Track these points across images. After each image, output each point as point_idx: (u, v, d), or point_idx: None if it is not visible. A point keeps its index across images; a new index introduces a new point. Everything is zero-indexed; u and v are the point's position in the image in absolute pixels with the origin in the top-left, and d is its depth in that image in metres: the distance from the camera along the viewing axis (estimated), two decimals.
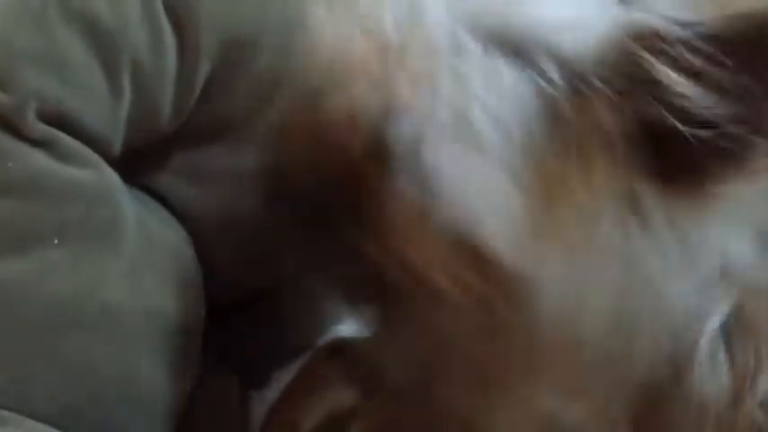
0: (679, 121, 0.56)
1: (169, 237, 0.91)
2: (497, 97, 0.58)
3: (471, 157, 0.58)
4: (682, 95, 0.56)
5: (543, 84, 0.58)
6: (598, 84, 0.59)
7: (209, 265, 0.93)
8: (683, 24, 0.57)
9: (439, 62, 0.62)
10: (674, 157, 0.57)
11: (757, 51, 0.55)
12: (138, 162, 0.91)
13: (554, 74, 0.59)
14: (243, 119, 0.91)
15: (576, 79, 0.59)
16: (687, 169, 0.58)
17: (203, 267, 0.92)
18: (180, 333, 0.88)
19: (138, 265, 0.86)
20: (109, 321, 0.83)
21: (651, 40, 0.58)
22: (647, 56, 0.57)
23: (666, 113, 0.56)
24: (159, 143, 0.90)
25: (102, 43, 0.86)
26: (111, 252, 0.85)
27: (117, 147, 0.89)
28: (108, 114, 0.87)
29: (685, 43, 0.57)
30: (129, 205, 0.87)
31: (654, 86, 0.57)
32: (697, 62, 0.56)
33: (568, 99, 0.59)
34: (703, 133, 0.56)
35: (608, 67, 0.59)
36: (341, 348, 0.90)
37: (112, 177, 0.88)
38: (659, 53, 0.57)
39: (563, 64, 0.59)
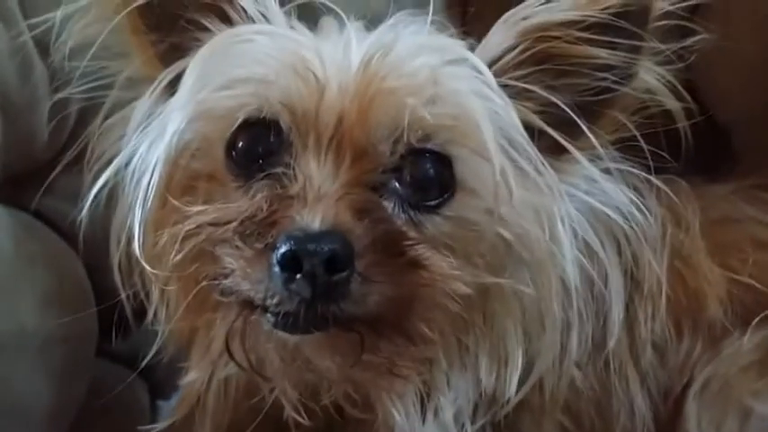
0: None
1: (54, 257, 0.90)
2: None
3: None
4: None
5: None
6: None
7: (103, 279, 0.89)
8: None
9: None
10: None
11: None
12: (23, 186, 0.91)
13: None
14: None
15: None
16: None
17: (100, 281, 0.91)
18: (62, 345, 0.87)
19: (13, 287, 0.85)
20: None
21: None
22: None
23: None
24: (42, 167, 0.90)
25: None
26: None
27: None
28: None
29: None
30: (4, 229, 0.87)
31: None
32: None
33: None
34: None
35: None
36: None
37: None
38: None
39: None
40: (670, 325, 0.84)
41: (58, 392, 0.86)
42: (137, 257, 0.73)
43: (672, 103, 0.75)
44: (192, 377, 0.77)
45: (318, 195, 0.65)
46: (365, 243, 0.64)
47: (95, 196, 0.76)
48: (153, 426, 0.78)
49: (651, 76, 0.74)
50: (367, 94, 0.68)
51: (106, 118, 0.78)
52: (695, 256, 0.86)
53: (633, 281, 0.82)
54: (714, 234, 0.87)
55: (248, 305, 0.66)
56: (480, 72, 0.71)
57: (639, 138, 0.75)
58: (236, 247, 0.65)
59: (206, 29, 0.74)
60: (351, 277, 0.63)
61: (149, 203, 0.72)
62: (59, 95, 0.84)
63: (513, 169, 0.70)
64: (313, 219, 0.64)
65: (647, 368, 0.83)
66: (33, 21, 0.82)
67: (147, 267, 0.72)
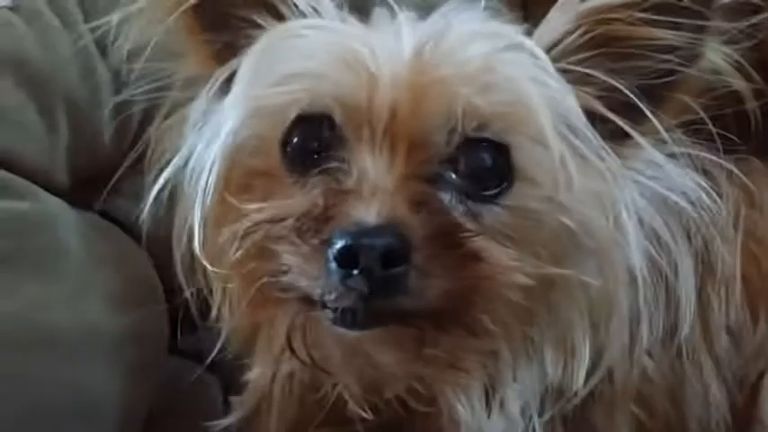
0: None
1: (123, 257, 0.90)
2: None
3: None
4: None
5: None
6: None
7: (168, 277, 0.89)
8: None
9: None
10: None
11: None
12: (92, 188, 0.91)
13: None
14: None
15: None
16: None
17: (166, 279, 0.90)
18: (133, 344, 0.86)
19: (82, 287, 0.85)
20: (48, 341, 0.81)
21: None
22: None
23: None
24: (110, 169, 0.89)
25: (35, 84, 0.87)
26: (51, 277, 0.84)
27: (62, 177, 0.90)
28: (45, 149, 0.88)
29: None
30: (74, 231, 0.87)
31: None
32: None
33: None
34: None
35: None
36: None
37: (52, 206, 0.88)
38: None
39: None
40: (745, 309, 0.81)
41: (130, 392, 0.86)
42: (198, 256, 0.73)
43: (740, 84, 0.71)
44: (257, 373, 0.76)
45: (374, 189, 0.64)
46: (422, 236, 0.63)
47: (157, 196, 0.75)
48: (220, 421, 0.77)
49: (718, 57, 0.71)
50: (419, 85, 0.66)
51: (166, 118, 0.78)
52: None
53: (705, 265, 0.79)
54: None
55: (307, 301, 0.65)
56: (537, 57, 0.68)
57: (707, 120, 0.72)
58: (294, 243, 0.64)
59: (259, 26, 0.73)
60: (408, 271, 0.62)
61: (208, 202, 0.71)
62: (122, 97, 0.84)
63: (573, 156, 0.67)
64: (368, 213, 0.62)
65: (722, 355, 0.80)
66: (93, 23, 0.82)
67: (208, 266, 0.71)
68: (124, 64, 0.79)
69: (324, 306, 0.64)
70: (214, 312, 0.76)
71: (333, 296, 0.63)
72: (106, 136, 0.90)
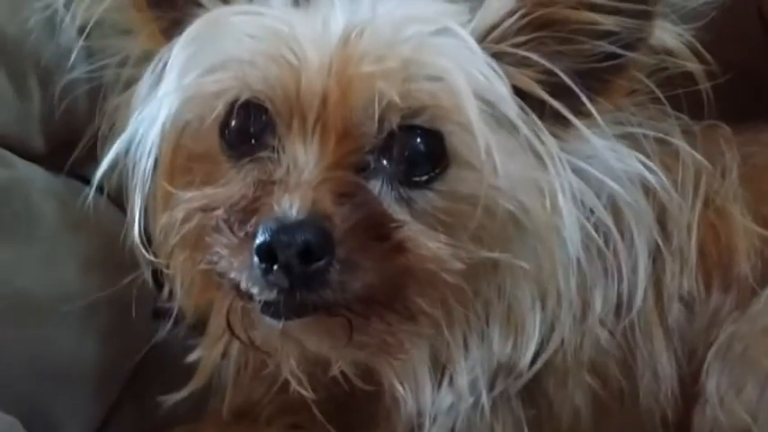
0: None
1: (100, 222, 0.82)
2: None
3: None
4: None
5: None
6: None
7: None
8: None
9: None
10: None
11: None
12: (71, 153, 0.83)
13: None
14: None
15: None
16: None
17: None
18: (107, 307, 0.81)
19: (55, 251, 0.81)
20: (21, 306, 0.78)
21: None
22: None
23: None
24: (91, 136, 0.81)
25: (6, 52, 0.82)
26: (23, 242, 0.79)
27: (38, 143, 0.85)
28: (18, 116, 0.83)
29: None
30: (49, 196, 0.82)
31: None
32: None
33: None
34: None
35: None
36: None
37: (26, 172, 0.83)
38: None
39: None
40: (699, 280, 0.74)
41: (107, 354, 0.82)
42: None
43: (692, 65, 0.64)
44: (209, 348, 0.71)
45: (299, 181, 0.58)
46: (345, 229, 0.58)
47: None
48: (172, 395, 0.72)
49: (669, 36, 0.64)
50: (346, 76, 0.60)
51: (120, 94, 0.72)
52: (730, 207, 0.75)
53: (661, 233, 0.71)
54: (758, 181, 0.76)
55: (237, 290, 0.61)
56: (465, 42, 0.62)
57: (662, 97, 0.65)
58: (223, 234, 0.60)
59: (201, 5, 0.66)
60: (330, 265, 0.57)
61: (148, 187, 0.67)
62: (81, 71, 0.78)
63: (504, 143, 0.62)
64: (290, 206, 0.57)
65: (673, 326, 0.74)
66: None
67: (144, 251, 0.67)
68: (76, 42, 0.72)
69: (250, 297, 0.59)
70: (166, 290, 0.71)
71: (256, 289, 0.58)
72: (80, 101, 0.83)
